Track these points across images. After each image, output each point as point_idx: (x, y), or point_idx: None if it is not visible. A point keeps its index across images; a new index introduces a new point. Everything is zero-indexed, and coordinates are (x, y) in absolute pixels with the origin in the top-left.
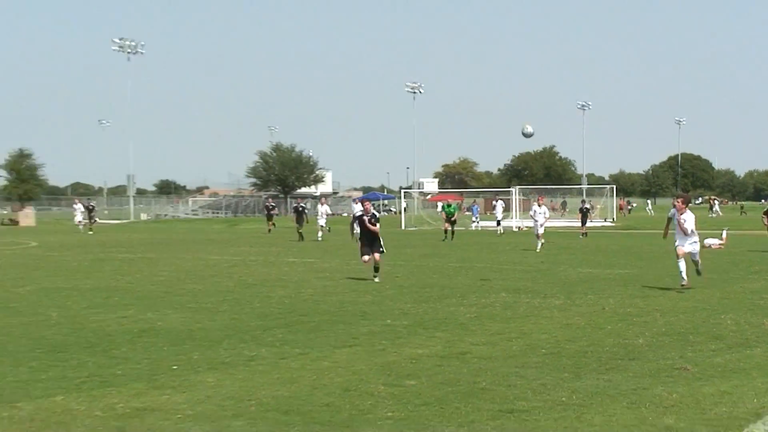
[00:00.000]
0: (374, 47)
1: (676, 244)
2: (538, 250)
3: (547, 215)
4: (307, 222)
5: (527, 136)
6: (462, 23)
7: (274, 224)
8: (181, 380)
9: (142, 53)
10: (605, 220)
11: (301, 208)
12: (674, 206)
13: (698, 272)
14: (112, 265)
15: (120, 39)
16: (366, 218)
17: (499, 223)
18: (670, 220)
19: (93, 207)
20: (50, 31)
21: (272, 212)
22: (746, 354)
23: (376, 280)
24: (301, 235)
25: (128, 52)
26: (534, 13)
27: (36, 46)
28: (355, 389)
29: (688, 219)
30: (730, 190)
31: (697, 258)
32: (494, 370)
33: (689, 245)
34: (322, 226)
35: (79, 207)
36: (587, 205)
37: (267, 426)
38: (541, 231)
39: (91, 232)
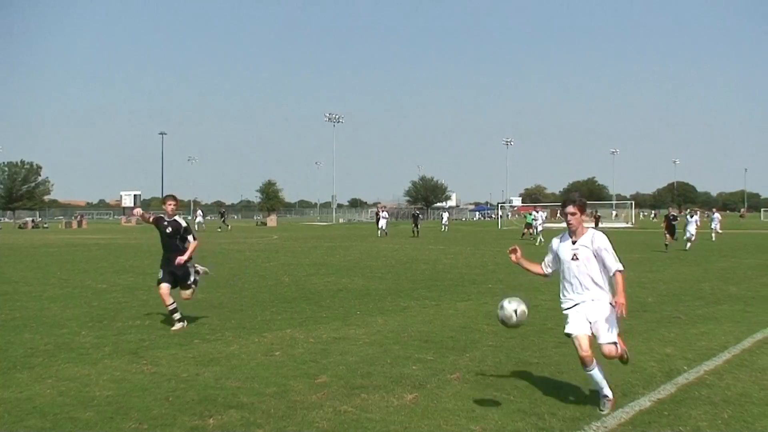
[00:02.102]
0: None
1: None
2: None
3: (542, 220)
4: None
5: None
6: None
7: (416, 226)
8: (362, 320)
9: (342, 122)
10: (627, 223)
11: (417, 214)
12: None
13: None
14: (321, 250)
15: (329, 113)
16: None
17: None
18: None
19: (223, 212)
20: (286, 107)
21: (418, 219)
22: (718, 308)
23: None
24: (415, 232)
25: (334, 122)
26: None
27: (281, 114)
28: (468, 327)
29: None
30: (707, 204)
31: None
32: (556, 317)
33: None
34: (383, 227)
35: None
36: (598, 214)
37: (414, 349)
38: (540, 229)
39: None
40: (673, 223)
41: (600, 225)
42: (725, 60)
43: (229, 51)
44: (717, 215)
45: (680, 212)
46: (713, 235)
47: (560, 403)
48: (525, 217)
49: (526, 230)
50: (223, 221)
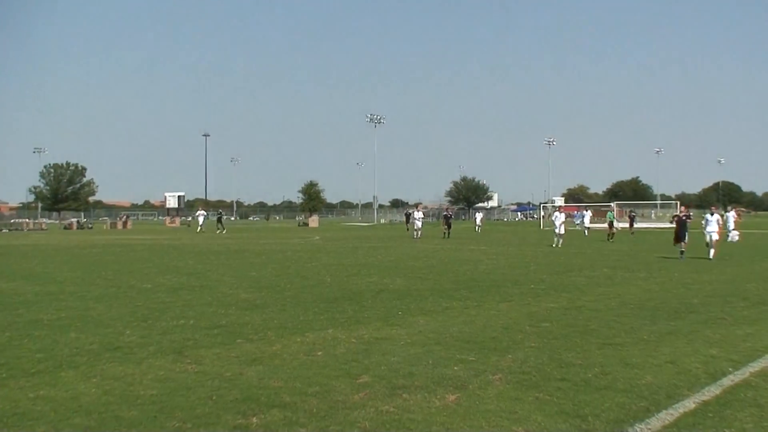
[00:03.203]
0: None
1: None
2: (554, 246)
3: (563, 220)
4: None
5: None
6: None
7: (448, 227)
8: (403, 320)
9: (383, 123)
10: (671, 223)
11: (449, 215)
12: (711, 213)
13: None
14: (362, 251)
15: (371, 114)
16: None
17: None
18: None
19: (221, 214)
20: (328, 108)
21: (449, 219)
22: (764, 309)
23: None
24: (446, 233)
25: (375, 123)
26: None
27: (331, 118)
28: (510, 328)
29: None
30: (753, 204)
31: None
32: (599, 318)
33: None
34: (418, 228)
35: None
36: (633, 213)
37: (456, 350)
38: (560, 231)
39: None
40: (687, 222)
41: (635, 225)
42: (764, 53)
43: (271, 52)
44: (732, 213)
45: (737, 212)
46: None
47: (604, 404)
48: (608, 216)
49: (609, 229)
50: (219, 223)
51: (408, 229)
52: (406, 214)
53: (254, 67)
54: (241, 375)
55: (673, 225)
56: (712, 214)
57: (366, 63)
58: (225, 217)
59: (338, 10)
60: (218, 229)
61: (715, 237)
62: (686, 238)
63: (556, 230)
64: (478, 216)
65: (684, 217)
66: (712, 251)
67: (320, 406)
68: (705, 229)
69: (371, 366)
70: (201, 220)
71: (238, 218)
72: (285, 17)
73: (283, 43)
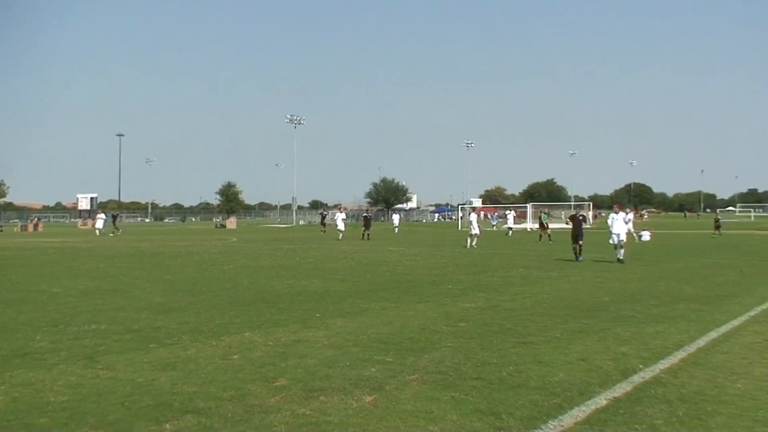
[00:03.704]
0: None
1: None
2: (467, 246)
3: (478, 220)
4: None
5: None
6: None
7: (367, 228)
8: (321, 323)
9: (303, 124)
10: (587, 224)
11: (368, 216)
12: (615, 212)
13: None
14: (281, 253)
15: (291, 114)
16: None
17: (510, 227)
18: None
19: (118, 215)
20: (247, 108)
21: (369, 220)
22: (673, 307)
23: None
24: (365, 234)
25: (295, 124)
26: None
27: (246, 117)
28: (427, 328)
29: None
30: (663, 204)
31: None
32: (514, 317)
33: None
34: (341, 229)
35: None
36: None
37: (373, 351)
38: (475, 231)
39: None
40: (584, 222)
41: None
42: (681, 62)
43: (188, 51)
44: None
45: (636, 212)
46: (641, 235)
47: (518, 402)
48: (541, 217)
49: (542, 230)
50: (115, 225)
51: (323, 231)
52: (321, 215)
53: (170, 67)
54: (155, 380)
55: (569, 225)
56: (617, 213)
57: (286, 63)
58: (120, 218)
59: (257, 9)
60: (113, 231)
61: (622, 237)
62: (582, 238)
63: (472, 231)
64: (396, 217)
65: (580, 217)
66: (621, 251)
67: (235, 411)
68: (611, 229)
69: (288, 369)
70: (100, 223)
71: (153, 220)
72: (202, 16)
73: (200, 42)
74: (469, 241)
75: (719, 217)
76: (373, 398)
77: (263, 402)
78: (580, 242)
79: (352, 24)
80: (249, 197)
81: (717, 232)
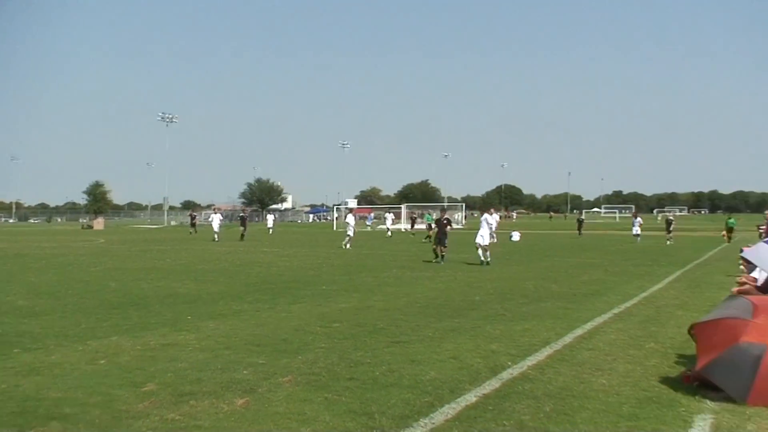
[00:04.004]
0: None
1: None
2: (344, 247)
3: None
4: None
5: None
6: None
7: (244, 229)
8: (192, 326)
9: (176, 122)
10: (459, 225)
11: (244, 216)
12: (490, 214)
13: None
14: (151, 254)
15: (162, 112)
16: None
17: (389, 228)
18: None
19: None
20: (116, 105)
21: (245, 221)
22: (540, 305)
23: None
24: (242, 235)
25: (167, 122)
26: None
27: (118, 115)
28: (301, 330)
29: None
30: (532, 205)
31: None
32: (388, 317)
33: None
34: (216, 231)
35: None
36: (414, 215)
37: (245, 353)
38: (350, 232)
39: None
40: (448, 225)
41: (416, 226)
42: (549, 67)
43: (57, 43)
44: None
45: (507, 213)
46: (511, 235)
47: (390, 401)
48: (425, 218)
49: (429, 231)
50: None
51: (192, 233)
52: (190, 216)
53: (35, 60)
54: (18, 387)
55: (434, 228)
56: (490, 215)
57: (158, 58)
58: None
59: (132, 5)
60: None
61: (485, 242)
62: (445, 243)
63: (348, 232)
64: (270, 218)
65: (445, 221)
66: (487, 254)
67: (102, 417)
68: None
69: (157, 373)
70: None
71: (17, 220)
72: (71, 8)
73: (69, 34)
74: (345, 240)
75: (582, 218)
76: (245, 401)
77: (131, 407)
78: (444, 247)
79: (226, 20)
80: (119, 197)
81: (579, 232)
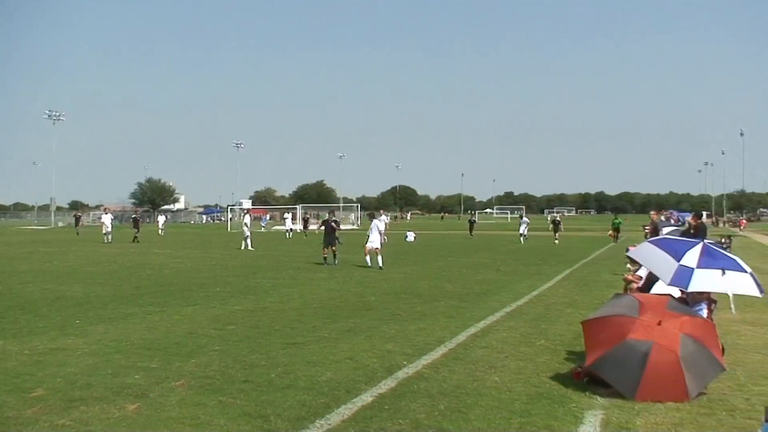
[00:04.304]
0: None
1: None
2: (242, 248)
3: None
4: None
5: None
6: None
7: (137, 230)
8: (81, 330)
9: (63, 120)
10: (354, 225)
11: (137, 217)
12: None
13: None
14: (38, 256)
15: (49, 110)
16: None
17: (291, 229)
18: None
19: None
20: (6, 103)
21: (138, 222)
22: (435, 305)
23: None
24: (136, 238)
25: (54, 120)
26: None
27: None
28: (195, 332)
29: (381, 225)
30: (427, 206)
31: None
32: (283, 318)
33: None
34: (108, 231)
35: None
36: (307, 215)
37: (137, 357)
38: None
39: None
40: (336, 227)
41: (309, 227)
42: (442, 65)
43: None
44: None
45: (402, 214)
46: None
47: (286, 403)
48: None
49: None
50: None
51: (77, 233)
52: (75, 217)
53: None
54: None
55: (321, 229)
56: (379, 219)
57: (44, 54)
58: None
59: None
60: None
61: (376, 245)
62: (336, 244)
63: (245, 233)
64: (161, 218)
65: (333, 224)
66: (378, 258)
67: None
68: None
69: (46, 378)
70: None
71: None
72: None
73: None
74: (243, 243)
75: (474, 218)
76: (137, 406)
77: (19, 414)
78: (334, 248)
79: (115, 14)
80: (3, 197)
81: (470, 233)
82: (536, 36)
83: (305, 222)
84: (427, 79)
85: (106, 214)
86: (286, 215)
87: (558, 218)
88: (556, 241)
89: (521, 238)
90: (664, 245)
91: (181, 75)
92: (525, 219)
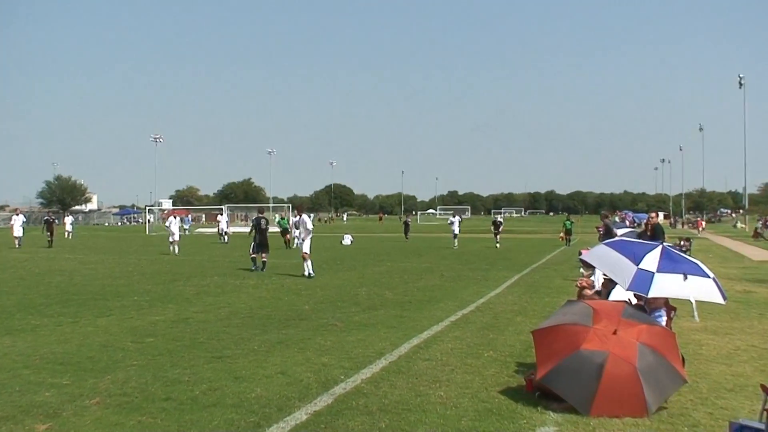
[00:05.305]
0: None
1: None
2: (171, 254)
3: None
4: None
5: None
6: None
7: (51, 233)
8: None
9: None
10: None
11: (51, 219)
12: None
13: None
14: None
15: None
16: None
17: (225, 232)
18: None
19: None
20: None
21: (53, 224)
22: (374, 314)
23: None
24: (49, 242)
25: None
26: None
27: None
28: (110, 346)
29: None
30: (364, 207)
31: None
32: (208, 330)
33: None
34: (19, 236)
35: None
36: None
37: (47, 373)
38: (175, 237)
39: None
40: (266, 229)
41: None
42: (382, 62)
43: None
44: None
45: (336, 215)
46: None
47: (212, 422)
48: (278, 222)
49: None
50: None
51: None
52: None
53: None
54: None
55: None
56: (298, 217)
57: None
58: None
59: None
60: None
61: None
62: (267, 249)
63: (172, 237)
64: (68, 220)
65: (264, 227)
66: (308, 264)
67: None
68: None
69: None
70: None
71: None
72: None
73: None
74: (172, 247)
75: (408, 220)
76: (48, 426)
77: None
78: (264, 254)
79: (18, 9)
80: None
81: (405, 236)
82: (483, 28)
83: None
84: (364, 69)
85: (18, 215)
86: (219, 216)
87: (499, 219)
88: (498, 245)
89: (455, 240)
90: (621, 247)
91: (93, 62)
92: (457, 218)
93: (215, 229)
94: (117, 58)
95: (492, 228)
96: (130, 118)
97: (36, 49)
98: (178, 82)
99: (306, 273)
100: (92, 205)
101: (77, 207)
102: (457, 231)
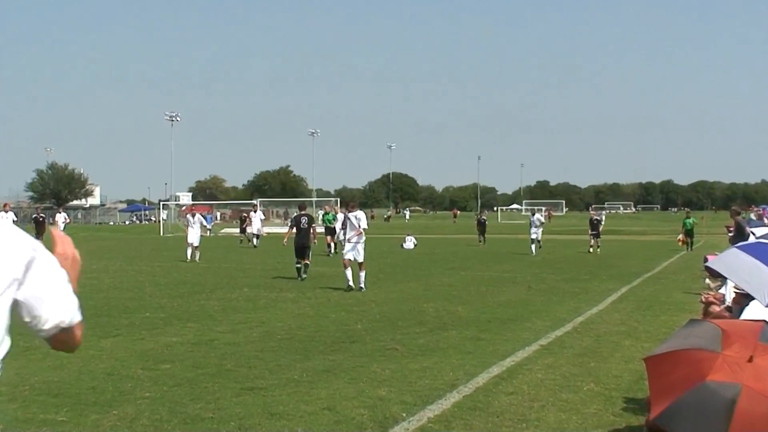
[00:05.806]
0: (136, 82)
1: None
2: (188, 260)
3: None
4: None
5: None
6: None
7: (40, 234)
8: None
9: None
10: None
11: (42, 218)
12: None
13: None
14: None
15: None
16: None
17: (257, 233)
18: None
19: None
20: None
21: (44, 223)
22: (444, 336)
23: None
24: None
25: None
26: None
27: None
28: (117, 373)
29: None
30: (431, 202)
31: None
32: (237, 354)
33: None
34: None
35: None
36: (245, 214)
37: (39, 407)
38: (194, 241)
39: None
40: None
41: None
42: (450, 30)
43: None
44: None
45: (396, 212)
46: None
47: None
48: (323, 218)
49: None
50: None
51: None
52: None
53: None
54: None
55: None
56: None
57: None
58: None
59: None
60: None
61: (359, 258)
62: (309, 254)
63: (189, 239)
64: (60, 217)
65: (306, 224)
66: (362, 274)
67: None
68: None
69: None
70: None
71: None
72: None
73: None
74: (190, 252)
75: (484, 218)
76: None
77: None
78: (307, 260)
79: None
80: None
81: (480, 238)
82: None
83: (242, 222)
84: (433, 38)
85: (8, 213)
86: (252, 213)
87: (597, 217)
88: (592, 249)
89: (533, 246)
90: (759, 252)
91: (91, 21)
92: (536, 216)
93: (237, 229)
94: (120, 14)
95: (589, 229)
96: (141, 91)
97: (25, 14)
98: (195, 49)
99: (356, 285)
100: (94, 200)
101: (75, 202)
102: (535, 235)
